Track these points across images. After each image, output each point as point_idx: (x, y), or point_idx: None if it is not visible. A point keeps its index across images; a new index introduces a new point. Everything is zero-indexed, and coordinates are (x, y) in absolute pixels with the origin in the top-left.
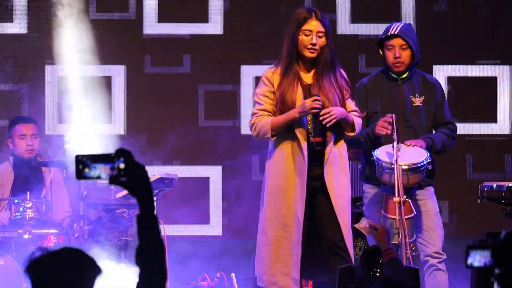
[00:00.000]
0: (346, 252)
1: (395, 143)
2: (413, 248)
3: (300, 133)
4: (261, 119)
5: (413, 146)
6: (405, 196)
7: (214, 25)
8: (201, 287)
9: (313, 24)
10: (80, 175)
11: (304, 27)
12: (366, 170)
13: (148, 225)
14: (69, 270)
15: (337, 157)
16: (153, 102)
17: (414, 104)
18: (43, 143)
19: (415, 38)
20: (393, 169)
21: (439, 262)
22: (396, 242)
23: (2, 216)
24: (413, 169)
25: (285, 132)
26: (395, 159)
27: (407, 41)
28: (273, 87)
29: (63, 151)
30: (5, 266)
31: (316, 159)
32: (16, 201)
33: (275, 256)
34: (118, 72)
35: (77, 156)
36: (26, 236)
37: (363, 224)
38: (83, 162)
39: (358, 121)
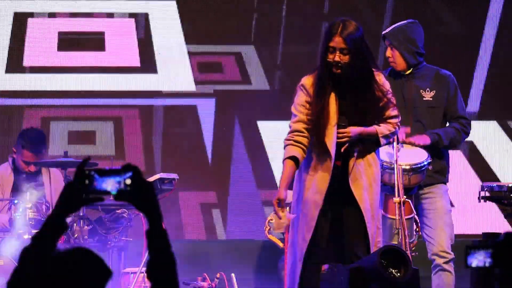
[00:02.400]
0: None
1: (395, 143)
2: (413, 249)
3: (327, 153)
4: (289, 146)
5: (416, 144)
6: (405, 196)
7: None
8: (201, 287)
9: (336, 41)
10: (86, 190)
11: (329, 44)
12: None
13: (157, 241)
14: (80, 271)
15: (364, 168)
16: None
17: (424, 99)
18: None
19: (406, 38)
20: (393, 169)
21: (445, 263)
22: (396, 243)
23: (4, 218)
24: (414, 169)
25: (316, 150)
26: (395, 159)
27: (391, 42)
28: (310, 98)
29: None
30: (5, 266)
31: (343, 170)
32: (16, 201)
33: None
34: None
35: (83, 171)
36: (26, 236)
37: None
38: (90, 176)
39: (388, 133)
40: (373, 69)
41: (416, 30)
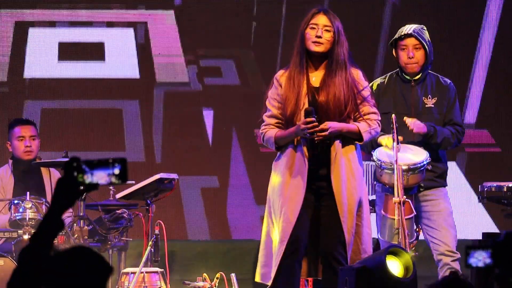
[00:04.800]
0: (341, 263)
1: (395, 143)
2: (413, 249)
3: (303, 141)
4: (268, 130)
5: (414, 131)
6: (405, 196)
7: None
8: (201, 287)
9: (319, 18)
10: (76, 182)
11: (311, 21)
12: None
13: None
14: (80, 270)
15: (344, 160)
16: None
17: (426, 106)
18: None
19: (428, 39)
20: (392, 169)
21: (452, 261)
22: (396, 243)
23: (3, 219)
24: (413, 169)
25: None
26: (395, 159)
27: (420, 41)
28: (281, 88)
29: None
30: (5, 266)
31: (323, 162)
32: (16, 201)
33: (262, 254)
34: None
35: (71, 164)
36: (26, 237)
37: None
38: (80, 169)
39: (370, 129)
40: (351, 65)
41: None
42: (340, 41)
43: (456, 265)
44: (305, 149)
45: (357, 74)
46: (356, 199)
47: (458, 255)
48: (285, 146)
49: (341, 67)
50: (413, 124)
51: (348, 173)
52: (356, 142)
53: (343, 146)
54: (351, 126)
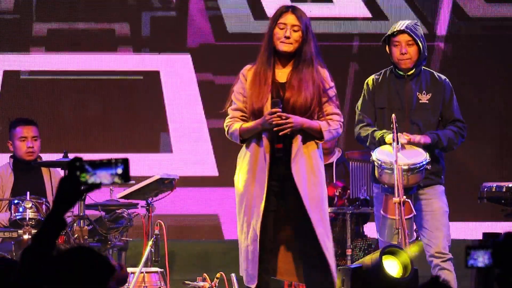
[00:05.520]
0: (319, 260)
1: (394, 143)
2: None
3: (265, 135)
4: (233, 123)
5: (422, 142)
6: (404, 197)
7: None
8: (201, 287)
9: (288, 18)
10: (79, 182)
11: (279, 21)
12: (374, 171)
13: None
14: (82, 270)
15: (305, 158)
16: None
17: (420, 101)
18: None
19: (422, 35)
20: (392, 169)
21: (443, 261)
22: (396, 243)
23: (2, 218)
24: (413, 169)
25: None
26: (395, 159)
27: (413, 37)
28: (247, 82)
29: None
30: None
31: (283, 159)
32: (16, 201)
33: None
34: None
35: (74, 164)
36: (26, 236)
37: None
38: (83, 169)
39: (330, 128)
40: (317, 64)
41: None
42: (308, 39)
43: (448, 265)
44: (267, 144)
45: (324, 73)
46: (316, 196)
47: (449, 255)
48: (249, 141)
49: (308, 64)
50: (421, 137)
51: (308, 170)
52: (317, 140)
53: (304, 143)
54: (313, 123)
